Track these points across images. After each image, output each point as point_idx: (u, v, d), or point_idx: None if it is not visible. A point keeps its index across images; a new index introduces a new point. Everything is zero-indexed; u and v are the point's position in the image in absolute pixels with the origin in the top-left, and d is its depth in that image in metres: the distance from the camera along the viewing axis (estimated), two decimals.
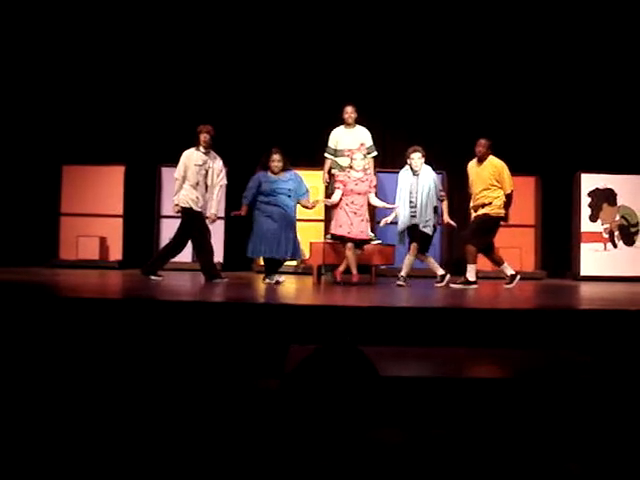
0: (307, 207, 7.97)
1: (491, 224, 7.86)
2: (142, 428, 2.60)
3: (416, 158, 7.82)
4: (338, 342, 1.78)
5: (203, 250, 7.61)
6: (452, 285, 7.75)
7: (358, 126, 8.61)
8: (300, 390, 1.69)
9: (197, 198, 7.60)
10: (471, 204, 8.05)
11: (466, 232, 7.96)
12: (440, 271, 7.96)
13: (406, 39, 9.97)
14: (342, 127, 8.62)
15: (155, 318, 5.21)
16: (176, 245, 7.72)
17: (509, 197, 7.85)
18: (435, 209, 7.89)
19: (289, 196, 7.71)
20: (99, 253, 9.61)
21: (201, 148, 7.66)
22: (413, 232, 7.86)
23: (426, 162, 8.02)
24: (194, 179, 7.61)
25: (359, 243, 7.74)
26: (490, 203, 7.79)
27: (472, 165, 8.02)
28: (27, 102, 9.83)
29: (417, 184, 7.83)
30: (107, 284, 7.84)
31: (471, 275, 7.74)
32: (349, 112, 8.53)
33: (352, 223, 7.61)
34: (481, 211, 7.86)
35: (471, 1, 9.92)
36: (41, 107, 9.85)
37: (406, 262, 7.88)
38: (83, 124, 9.87)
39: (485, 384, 3.44)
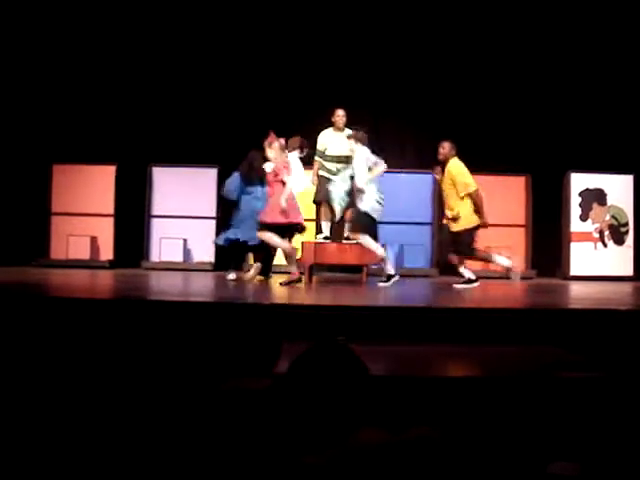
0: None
1: (467, 236, 7.46)
2: (133, 427, 2.60)
3: (352, 142, 7.73)
4: (330, 341, 1.79)
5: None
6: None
7: (347, 129, 8.57)
8: (292, 389, 1.70)
9: None
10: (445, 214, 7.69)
11: (452, 248, 7.60)
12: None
13: (395, 39, 9.97)
14: (331, 130, 8.54)
15: (146, 318, 5.20)
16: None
17: (474, 199, 7.38)
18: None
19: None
20: (90, 253, 9.58)
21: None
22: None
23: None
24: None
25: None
26: (459, 217, 7.38)
27: (438, 171, 7.72)
28: (17, 100, 9.79)
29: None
30: (98, 284, 7.82)
31: (468, 274, 7.59)
32: (340, 115, 8.45)
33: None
34: (454, 228, 7.47)
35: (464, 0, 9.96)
36: (32, 105, 9.81)
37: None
38: (74, 123, 9.84)
39: (477, 383, 3.46)
